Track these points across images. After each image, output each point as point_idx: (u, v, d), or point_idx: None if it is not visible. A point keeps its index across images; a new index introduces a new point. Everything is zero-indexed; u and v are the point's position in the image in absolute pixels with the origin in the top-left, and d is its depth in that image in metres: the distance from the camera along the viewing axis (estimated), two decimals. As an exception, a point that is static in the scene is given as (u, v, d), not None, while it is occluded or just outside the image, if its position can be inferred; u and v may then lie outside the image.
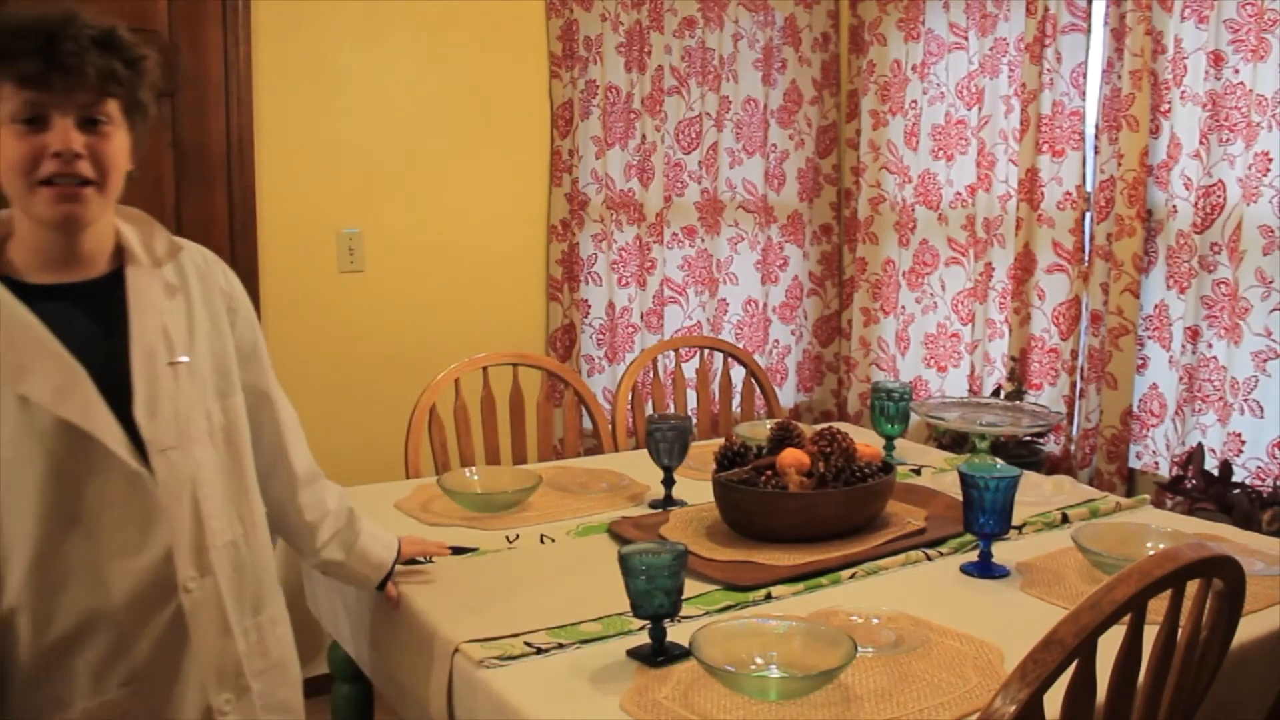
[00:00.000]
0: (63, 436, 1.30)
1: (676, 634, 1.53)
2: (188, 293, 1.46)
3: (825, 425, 2.10)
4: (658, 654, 1.50)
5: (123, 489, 1.33)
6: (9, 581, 1.29)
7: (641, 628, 1.57)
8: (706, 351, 3.30)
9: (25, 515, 1.29)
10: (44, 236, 1.34)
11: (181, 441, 1.39)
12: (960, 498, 1.87)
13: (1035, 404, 3.02)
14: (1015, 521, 1.95)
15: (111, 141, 1.35)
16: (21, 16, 1.29)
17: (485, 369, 2.78)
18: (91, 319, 1.36)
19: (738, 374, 3.18)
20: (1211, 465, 2.81)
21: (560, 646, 1.55)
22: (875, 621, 1.61)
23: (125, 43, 1.36)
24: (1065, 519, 2.13)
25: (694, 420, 3.11)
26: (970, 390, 3.52)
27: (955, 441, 3.15)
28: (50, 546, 1.30)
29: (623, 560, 1.50)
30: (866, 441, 2.17)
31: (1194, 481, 2.76)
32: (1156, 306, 3.02)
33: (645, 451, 2.23)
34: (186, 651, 1.39)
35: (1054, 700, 1.17)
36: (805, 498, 1.93)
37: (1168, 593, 1.23)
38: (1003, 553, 1.90)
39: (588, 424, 3.15)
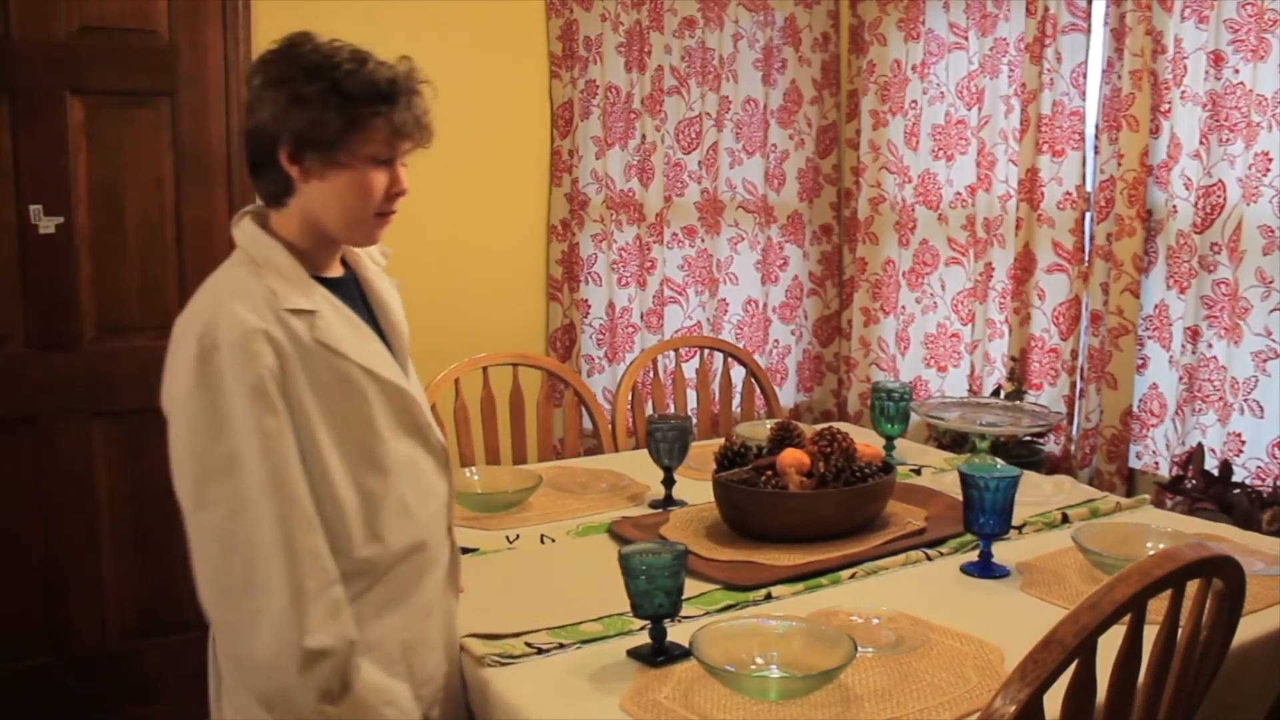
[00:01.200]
0: (375, 394, 1.48)
1: (676, 634, 1.53)
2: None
3: (825, 425, 2.10)
4: (658, 654, 1.50)
5: (420, 440, 1.54)
6: (351, 526, 1.43)
7: (641, 628, 1.57)
8: (706, 351, 3.30)
9: (353, 463, 1.44)
10: (324, 245, 1.51)
11: None
12: (960, 498, 1.88)
13: (1035, 404, 3.02)
14: (1015, 521, 1.95)
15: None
16: (388, 69, 1.48)
17: (485, 369, 2.78)
18: (351, 307, 1.53)
19: (738, 374, 3.18)
20: (1211, 465, 2.81)
21: (560, 646, 1.55)
22: (875, 621, 1.61)
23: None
24: (1065, 519, 2.13)
25: (694, 420, 3.11)
26: (970, 390, 3.52)
27: (955, 441, 3.15)
28: (373, 491, 1.46)
29: (623, 560, 1.50)
30: (866, 441, 2.17)
31: (1194, 481, 2.76)
32: (1156, 306, 3.02)
33: (645, 451, 2.23)
34: (452, 589, 1.60)
35: (1054, 700, 1.17)
36: (805, 498, 1.93)
37: (1168, 593, 1.23)
38: (1003, 553, 1.90)
39: (588, 424, 3.15)
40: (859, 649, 1.45)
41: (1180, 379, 2.92)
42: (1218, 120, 2.82)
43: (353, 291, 1.57)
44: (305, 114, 1.43)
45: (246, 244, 1.48)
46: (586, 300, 3.56)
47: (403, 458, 1.50)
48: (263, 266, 1.45)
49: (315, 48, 1.50)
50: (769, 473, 2.00)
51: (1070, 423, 3.23)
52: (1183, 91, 2.90)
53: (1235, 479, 2.74)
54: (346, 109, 1.44)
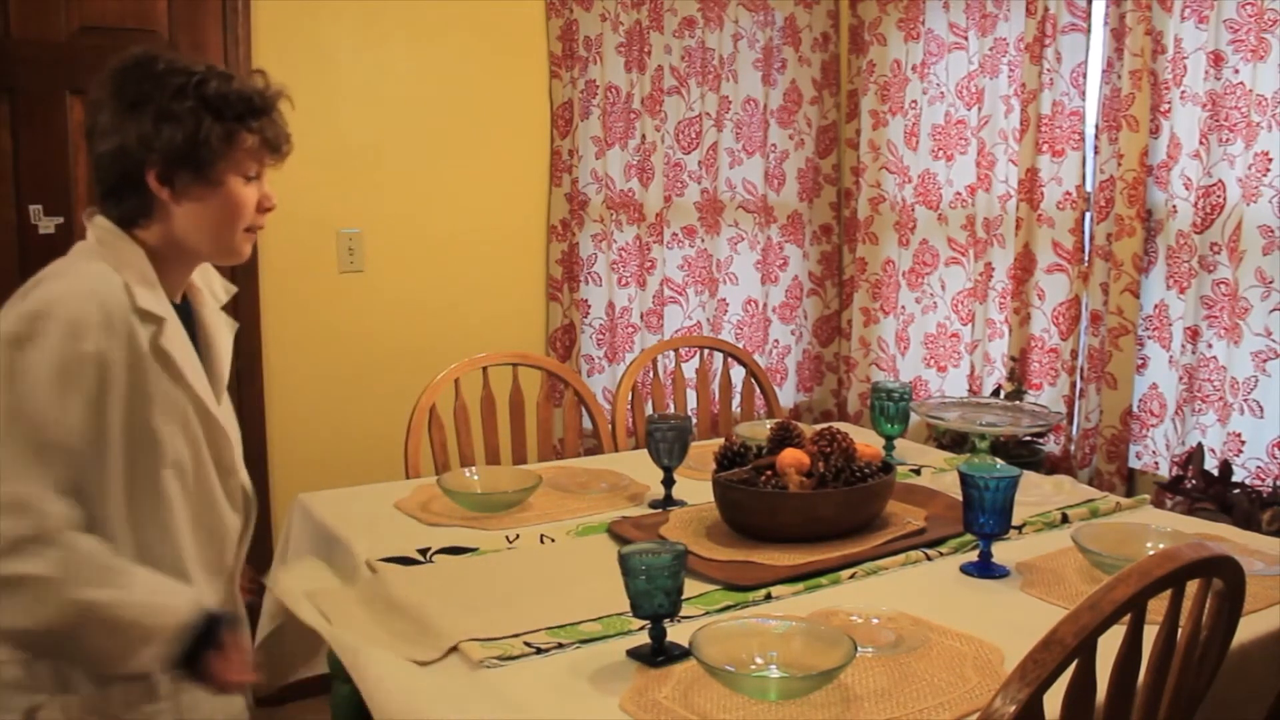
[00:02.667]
0: (193, 416, 1.48)
1: (676, 634, 1.53)
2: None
3: (825, 425, 2.10)
4: (657, 654, 1.50)
5: (222, 477, 1.56)
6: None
7: (641, 628, 1.57)
8: (706, 351, 3.30)
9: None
10: (179, 267, 1.50)
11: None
12: (960, 498, 1.87)
13: (1035, 404, 3.02)
14: (1015, 521, 1.94)
15: None
16: (254, 82, 1.47)
17: (485, 369, 2.78)
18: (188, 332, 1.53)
19: (738, 374, 3.18)
20: (1211, 465, 2.81)
21: (560, 646, 1.55)
22: (875, 621, 1.61)
23: None
24: (1065, 519, 2.13)
25: (694, 420, 3.11)
26: (970, 390, 3.52)
27: (955, 441, 3.15)
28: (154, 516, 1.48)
29: (623, 560, 1.50)
30: (866, 441, 2.17)
31: (1194, 481, 2.75)
32: (1156, 306, 3.02)
33: (645, 451, 2.23)
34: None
35: (1054, 700, 1.17)
36: (805, 498, 1.93)
37: (1168, 593, 1.23)
38: (1003, 553, 1.90)
39: (588, 424, 3.15)
40: (859, 649, 1.44)
41: (1180, 379, 2.92)
42: (1218, 120, 2.82)
43: (188, 317, 1.55)
44: (178, 131, 1.39)
45: (105, 241, 1.43)
46: (586, 300, 3.56)
47: (203, 483, 1.51)
48: (120, 268, 1.41)
49: (172, 64, 1.43)
50: (769, 473, 2.00)
51: (1070, 423, 3.23)
52: (1183, 91, 2.90)
53: (1235, 479, 2.74)
54: (221, 124, 1.41)
